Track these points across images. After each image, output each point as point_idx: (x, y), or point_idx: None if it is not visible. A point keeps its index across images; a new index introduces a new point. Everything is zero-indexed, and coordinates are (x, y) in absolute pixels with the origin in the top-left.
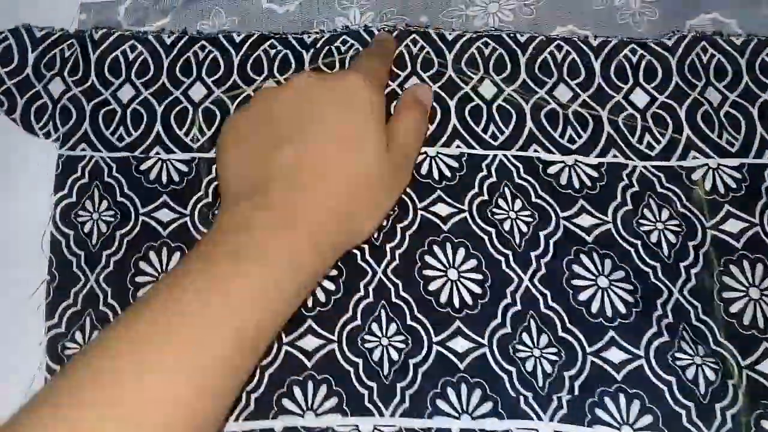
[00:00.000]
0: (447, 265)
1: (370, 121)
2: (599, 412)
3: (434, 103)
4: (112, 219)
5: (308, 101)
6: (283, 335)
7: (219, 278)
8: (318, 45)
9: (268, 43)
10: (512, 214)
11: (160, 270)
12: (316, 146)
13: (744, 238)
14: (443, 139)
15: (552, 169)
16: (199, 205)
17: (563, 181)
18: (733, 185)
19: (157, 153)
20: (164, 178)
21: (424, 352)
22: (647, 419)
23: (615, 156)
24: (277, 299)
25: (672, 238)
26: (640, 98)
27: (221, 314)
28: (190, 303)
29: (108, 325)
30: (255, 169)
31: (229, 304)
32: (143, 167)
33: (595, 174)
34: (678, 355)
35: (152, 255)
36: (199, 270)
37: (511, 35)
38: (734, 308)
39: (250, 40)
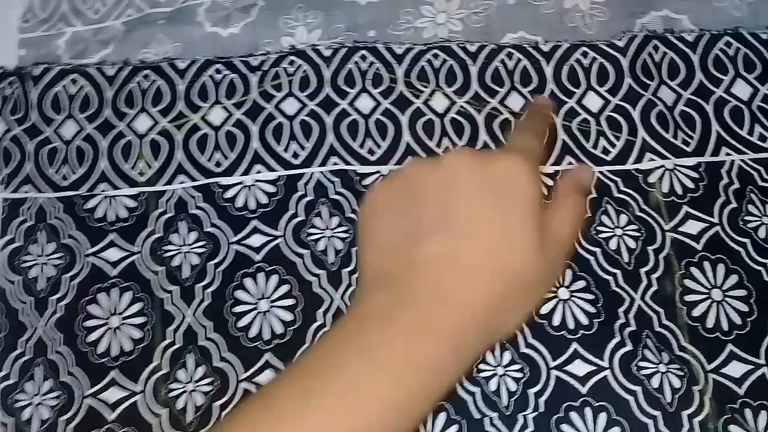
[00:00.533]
0: None
1: (528, 215)
2: (566, 428)
3: (386, 120)
4: (60, 262)
5: (462, 184)
6: (239, 373)
7: (347, 382)
8: (265, 67)
9: (213, 68)
10: None
11: (110, 312)
12: (469, 238)
13: (704, 239)
14: (396, 158)
15: None
16: (148, 242)
17: None
18: (691, 185)
19: (103, 190)
20: (111, 216)
21: None
22: (617, 431)
23: (570, 163)
24: (405, 404)
25: (631, 243)
26: (593, 102)
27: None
28: (316, 404)
29: None
30: (400, 254)
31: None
32: (89, 206)
33: (550, 182)
34: (642, 363)
35: (102, 297)
36: (327, 367)
37: (461, 45)
38: (697, 311)
39: (194, 66)
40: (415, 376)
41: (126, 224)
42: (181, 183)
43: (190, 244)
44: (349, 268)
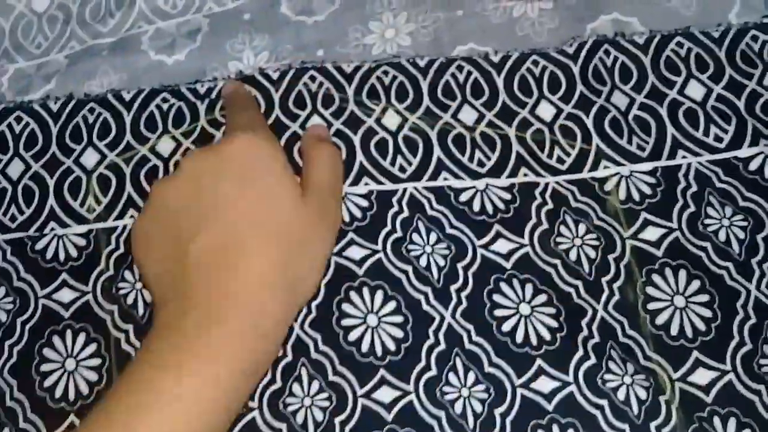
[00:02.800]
0: (365, 311)
1: (273, 175)
2: None
3: (339, 141)
4: (12, 306)
5: (205, 182)
6: None
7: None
8: (213, 95)
9: (160, 97)
10: (428, 249)
11: (65, 355)
12: (228, 225)
13: (664, 245)
14: (351, 178)
15: (464, 197)
16: (100, 280)
17: (476, 207)
18: (648, 191)
19: (53, 229)
20: (62, 256)
21: (348, 408)
22: None
23: (526, 174)
24: (222, 398)
25: (591, 253)
26: (546, 111)
27: None
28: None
29: None
30: (173, 267)
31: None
32: (39, 246)
33: (507, 196)
34: (607, 376)
35: (56, 340)
36: (139, 383)
37: (411, 60)
38: (660, 319)
39: (141, 97)
40: (225, 371)
41: (76, 264)
42: (132, 217)
43: (141, 279)
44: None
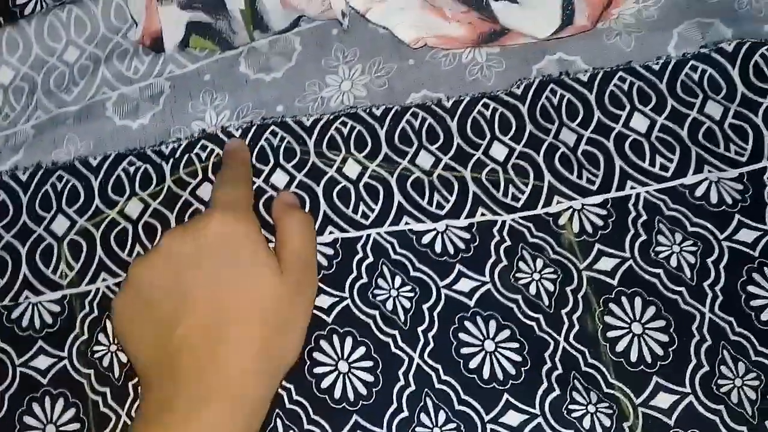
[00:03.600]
0: (337, 358)
1: (250, 257)
2: None
3: (302, 193)
4: None
5: (182, 264)
6: None
7: None
8: (177, 154)
9: (126, 161)
10: (393, 292)
11: (45, 421)
12: (208, 312)
13: (618, 274)
14: (315, 228)
15: (425, 239)
16: (76, 344)
17: (438, 248)
18: (600, 223)
19: (27, 297)
20: (37, 323)
21: None
22: None
23: (483, 214)
24: None
25: (550, 286)
26: (498, 151)
27: None
28: None
29: None
30: (156, 350)
31: None
32: (14, 315)
33: (467, 236)
34: (572, 407)
35: (36, 407)
36: None
37: (367, 110)
38: (620, 347)
39: (107, 161)
40: None
41: (52, 330)
42: (104, 281)
43: (117, 343)
44: None
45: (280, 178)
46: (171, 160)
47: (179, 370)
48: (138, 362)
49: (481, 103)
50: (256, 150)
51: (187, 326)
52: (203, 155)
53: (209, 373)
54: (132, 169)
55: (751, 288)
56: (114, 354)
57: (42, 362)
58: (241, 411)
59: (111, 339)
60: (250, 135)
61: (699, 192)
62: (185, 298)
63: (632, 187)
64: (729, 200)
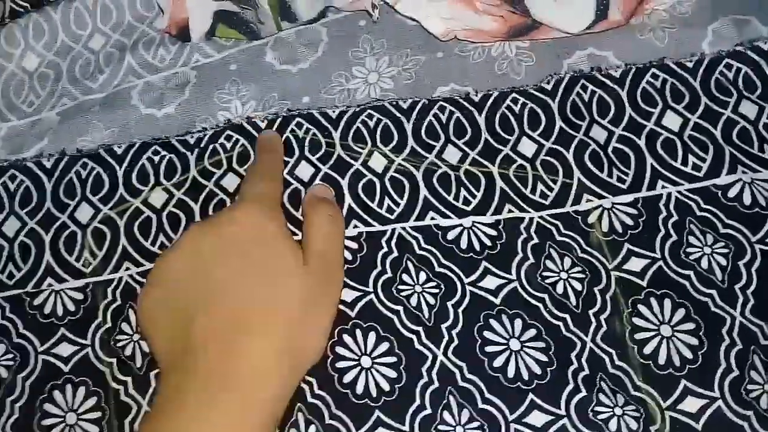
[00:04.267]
0: (360, 352)
1: (275, 249)
2: None
3: (327, 186)
4: (12, 363)
5: (206, 258)
6: None
7: None
8: (202, 144)
9: (151, 150)
10: (418, 288)
11: (66, 409)
12: (230, 306)
13: (648, 275)
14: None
15: (451, 235)
16: (98, 333)
17: (464, 245)
18: (630, 222)
19: (50, 284)
20: (60, 311)
21: None
22: None
23: (510, 211)
24: None
25: (577, 285)
26: (527, 147)
27: None
28: None
29: None
30: (178, 342)
31: None
32: (37, 302)
33: (493, 233)
34: (598, 408)
35: (57, 395)
36: None
37: (393, 103)
38: (648, 349)
39: (132, 150)
40: None
41: (75, 318)
42: (127, 270)
43: (140, 332)
44: None
45: (304, 171)
46: (196, 150)
47: (196, 364)
48: (158, 354)
49: (510, 97)
50: (282, 141)
51: (207, 320)
52: (228, 146)
53: (226, 369)
54: (157, 159)
55: None
56: (137, 343)
57: (64, 350)
58: (255, 410)
59: (134, 328)
60: (275, 126)
61: (732, 193)
62: (208, 291)
63: (663, 187)
64: (763, 202)
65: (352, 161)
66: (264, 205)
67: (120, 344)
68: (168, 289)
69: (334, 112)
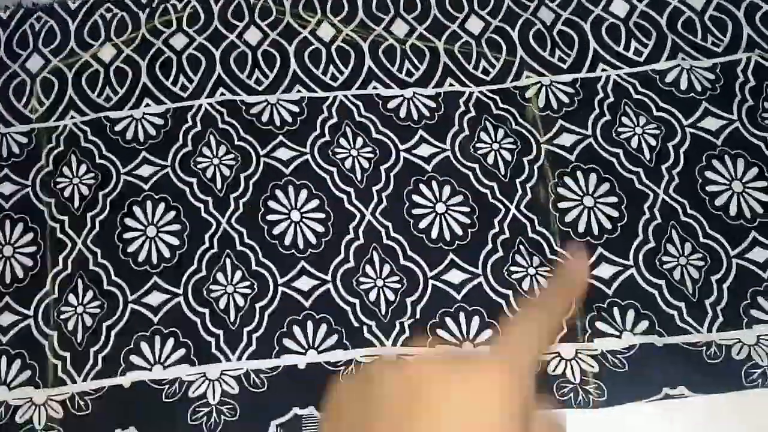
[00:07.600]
0: (289, 207)
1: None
2: (441, 332)
3: (273, 51)
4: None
5: (423, 400)
6: (129, 293)
7: None
8: (154, 4)
9: (104, 6)
10: (353, 152)
11: (3, 242)
12: None
13: (577, 150)
14: (283, 86)
15: (391, 104)
16: (40, 175)
17: (402, 114)
18: (566, 100)
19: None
20: (5, 152)
21: (269, 294)
22: (488, 333)
23: (452, 85)
24: None
25: (507, 156)
26: (474, 24)
27: None
28: None
29: None
30: None
31: None
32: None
33: (432, 104)
34: (513, 268)
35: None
36: None
37: None
38: (569, 218)
39: (86, 6)
40: None
41: (18, 159)
42: (72, 118)
43: (80, 176)
44: (236, 193)
45: (253, 35)
46: (147, 9)
47: None
48: None
49: None
50: (233, 6)
51: None
52: (179, 6)
53: None
54: (109, 15)
55: (708, 174)
56: (76, 186)
57: (6, 188)
58: None
59: (74, 172)
60: None
61: (669, 78)
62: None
63: (603, 70)
64: (699, 88)
65: (300, 29)
66: (512, 367)
67: (60, 186)
68: (359, 405)
69: None
